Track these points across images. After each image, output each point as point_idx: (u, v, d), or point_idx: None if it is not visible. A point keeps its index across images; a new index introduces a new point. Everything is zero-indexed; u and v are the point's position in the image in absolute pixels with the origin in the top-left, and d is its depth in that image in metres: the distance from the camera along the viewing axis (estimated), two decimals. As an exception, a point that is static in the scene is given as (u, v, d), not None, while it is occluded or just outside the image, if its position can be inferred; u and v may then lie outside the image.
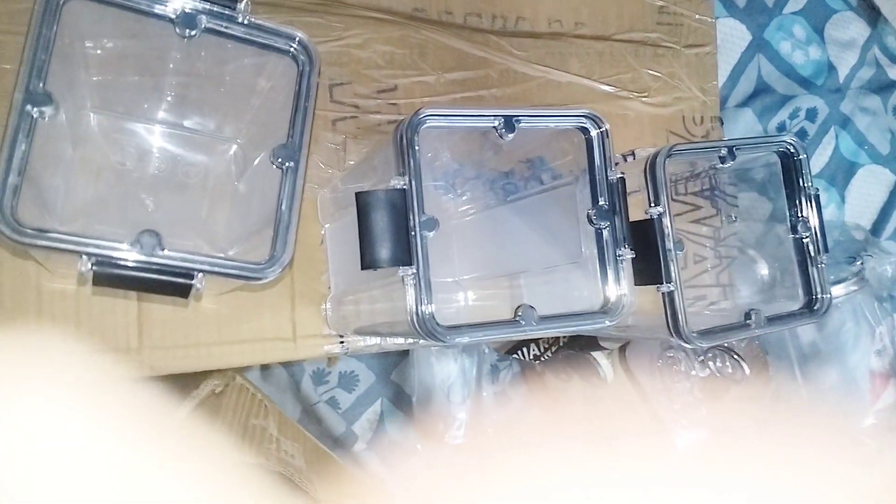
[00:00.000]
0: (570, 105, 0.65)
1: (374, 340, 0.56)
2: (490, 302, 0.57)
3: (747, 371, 0.76)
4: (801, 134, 0.99)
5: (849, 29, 1.02)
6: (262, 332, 0.54)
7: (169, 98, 0.50)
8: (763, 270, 0.72)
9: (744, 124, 0.94)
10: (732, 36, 0.93)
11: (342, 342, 0.56)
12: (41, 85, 0.33)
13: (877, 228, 1.05)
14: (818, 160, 0.98)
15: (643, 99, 0.67)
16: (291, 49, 0.39)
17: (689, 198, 0.67)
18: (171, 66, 0.45)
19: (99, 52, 0.44)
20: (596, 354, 0.70)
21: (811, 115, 0.99)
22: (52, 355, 0.22)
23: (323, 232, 0.56)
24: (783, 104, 0.97)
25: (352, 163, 0.57)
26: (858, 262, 0.95)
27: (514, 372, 0.84)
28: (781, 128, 0.96)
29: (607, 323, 0.42)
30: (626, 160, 0.66)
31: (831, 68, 1.00)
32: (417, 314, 0.39)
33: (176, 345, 0.51)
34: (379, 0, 0.60)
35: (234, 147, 0.52)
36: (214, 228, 0.52)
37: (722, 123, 0.73)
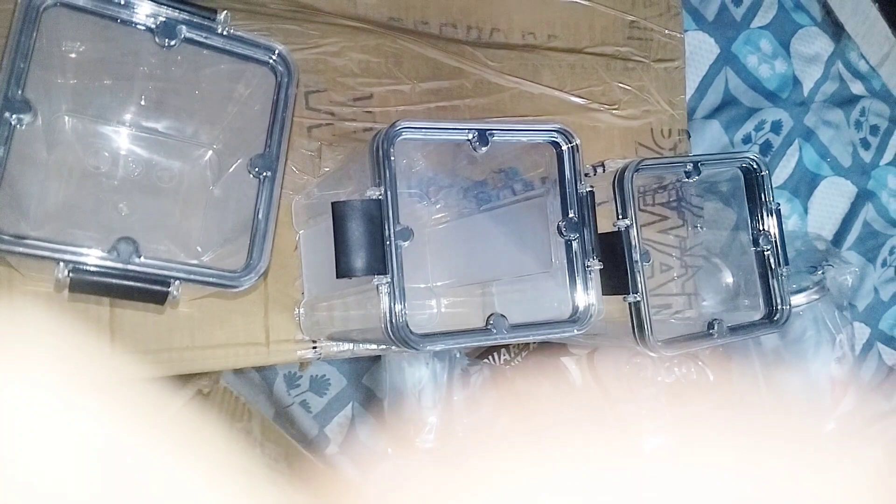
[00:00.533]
0: (543, 116, 0.66)
1: (346, 346, 0.57)
2: (462, 309, 0.58)
3: (711, 377, 0.78)
4: (766, 146, 1.01)
5: (814, 44, 1.05)
6: (236, 336, 0.54)
7: (144, 102, 0.50)
8: (727, 279, 0.74)
9: (710, 135, 0.96)
10: (701, 49, 0.95)
11: (315, 347, 0.57)
12: (20, 92, 0.34)
13: (838, 239, 1.08)
14: (782, 172, 1.01)
15: (613, 111, 0.69)
16: (270, 60, 0.40)
17: (657, 208, 0.69)
18: (148, 71, 0.45)
19: (75, 56, 0.44)
20: (565, 360, 0.72)
21: (776, 127, 1.02)
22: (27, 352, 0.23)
23: (297, 238, 0.56)
24: (749, 116, 0.99)
25: (327, 169, 0.58)
26: (819, 272, 0.98)
27: (485, 377, 0.85)
28: (747, 140, 0.99)
29: (576, 332, 0.43)
30: (595, 171, 0.67)
31: (796, 82, 1.03)
32: (391, 322, 0.40)
33: (148, 349, 0.51)
34: (355, 8, 0.60)
35: (210, 153, 0.52)
36: (188, 233, 0.52)
37: (689, 136, 0.75)
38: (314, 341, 0.57)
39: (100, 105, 0.50)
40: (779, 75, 1.02)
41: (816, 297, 0.94)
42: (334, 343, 0.56)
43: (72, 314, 0.50)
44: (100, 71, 0.46)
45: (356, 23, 0.60)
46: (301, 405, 0.82)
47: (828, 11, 1.06)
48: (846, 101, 1.07)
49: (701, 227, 0.72)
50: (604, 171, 0.68)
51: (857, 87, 1.09)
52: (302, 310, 0.56)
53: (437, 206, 0.61)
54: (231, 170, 0.49)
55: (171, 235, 0.52)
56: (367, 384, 0.85)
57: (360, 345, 0.56)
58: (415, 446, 0.85)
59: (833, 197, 1.09)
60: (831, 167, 1.07)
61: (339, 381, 0.84)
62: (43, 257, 0.33)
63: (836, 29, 1.06)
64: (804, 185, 1.04)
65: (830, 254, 1.04)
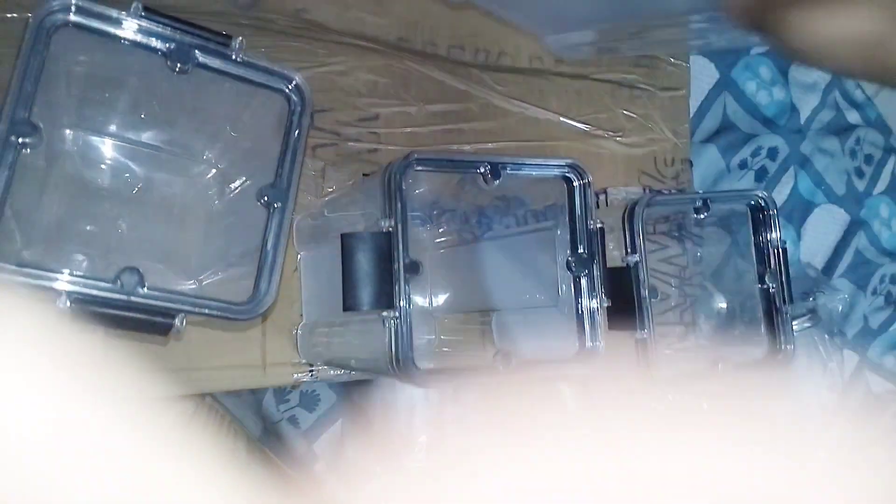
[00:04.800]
0: (547, 142, 0.66)
1: (343, 370, 0.56)
2: (461, 336, 0.58)
3: (705, 406, 0.78)
4: (762, 172, 1.02)
5: (812, 72, 1.05)
6: (232, 359, 0.53)
7: (149, 117, 0.49)
8: (721, 304, 0.74)
9: (708, 160, 0.96)
10: (701, 74, 0.95)
11: (311, 371, 0.56)
12: (26, 115, 0.33)
13: (829, 266, 1.08)
14: (777, 198, 1.01)
15: (617, 139, 0.68)
16: (286, 89, 0.39)
17: (658, 237, 0.69)
18: (155, 88, 0.45)
19: (81, 70, 0.43)
20: (561, 386, 0.71)
21: (772, 153, 1.02)
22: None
23: (298, 259, 0.56)
24: (746, 142, 0.99)
25: (330, 190, 0.57)
26: (811, 299, 0.98)
27: (477, 397, 0.84)
28: (744, 165, 0.99)
29: (582, 370, 0.42)
30: (598, 198, 0.67)
31: (793, 109, 1.03)
32: (397, 358, 0.39)
33: (142, 369, 0.50)
34: (364, 28, 0.60)
35: (214, 171, 0.51)
36: (188, 252, 0.51)
37: (692, 165, 0.75)
38: (311, 365, 0.56)
39: (102, 119, 0.49)
40: (777, 102, 1.02)
41: (809, 324, 0.95)
42: (331, 368, 0.55)
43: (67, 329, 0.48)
44: (105, 86, 0.45)
45: (365, 42, 0.59)
46: (289, 421, 0.81)
47: (827, 41, 1.06)
48: (842, 129, 1.08)
49: (700, 256, 0.72)
50: (606, 198, 0.68)
51: (852, 116, 1.09)
52: (300, 332, 0.55)
53: (441, 230, 0.60)
54: (236, 191, 0.48)
55: (170, 254, 0.51)
56: (357, 401, 0.84)
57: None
58: (404, 466, 0.84)
59: (826, 224, 1.09)
60: (825, 195, 1.08)
61: (329, 396, 0.83)
62: (44, 288, 0.32)
63: (834, 58, 1.07)
64: (798, 211, 1.04)
65: (820, 281, 1.05)
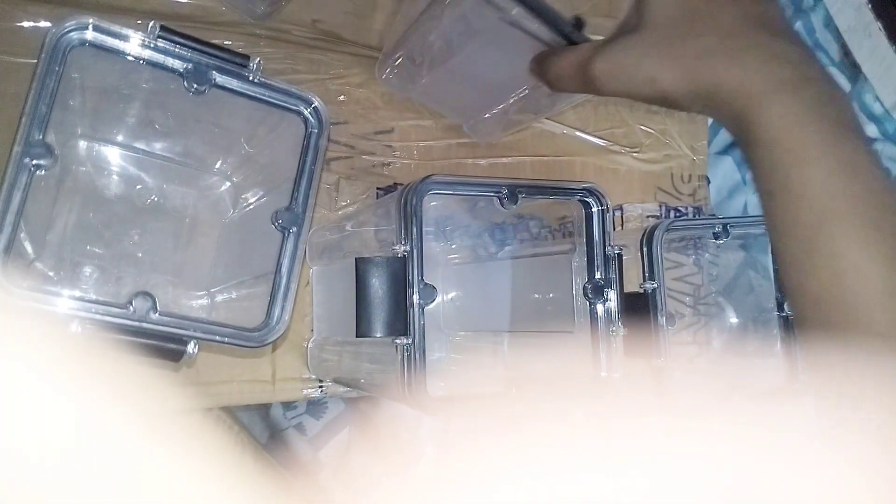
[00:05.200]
0: (563, 156, 0.65)
1: (353, 388, 0.56)
2: (474, 356, 0.57)
3: (717, 428, 0.78)
4: (778, 185, 1.00)
5: (830, 85, 1.04)
6: (241, 373, 0.53)
7: (163, 130, 0.48)
8: (732, 318, 0.73)
9: (723, 172, 0.95)
10: (718, 86, 0.94)
11: (321, 387, 0.56)
12: (40, 137, 0.32)
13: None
14: (793, 212, 1.00)
15: (634, 154, 0.68)
16: (303, 112, 0.38)
17: (672, 255, 0.68)
18: (171, 104, 0.44)
19: (96, 86, 0.42)
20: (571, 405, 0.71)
21: (789, 167, 1.01)
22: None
23: (310, 273, 0.55)
24: (762, 154, 0.98)
25: (344, 203, 0.57)
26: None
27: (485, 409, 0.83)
28: (759, 178, 0.98)
29: (597, 401, 0.42)
30: (614, 214, 0.66)
31: (811, 123, 1.02)
32: (410, 385, 0.39)
33: (152, 384, 0.50)
34: (381, 40, 0.59)
35: (228, 184, 0.51)
36: (201, 265, 0.51)
37: (709, 182, 0.74)
38: (321, 380, 0.55)
39: (116, 130, 0.48)
40: (794, 115, 1.01)
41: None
42: (340, 384, 0.55)
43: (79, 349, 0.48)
44: (119, 100, 0.44)
45: (380, 54, 0.58)
46: (296, 428, 0.81)
47: (846, 52, 1.05)
48: (860, 143, 1.06)
49: (715, 274, 0.71)
50: (622, 214, 0.67)
51: (870, 130, 1.08)
52: (310, 346, 0.55)
53: (454, 246, 0.60)
54: (251, 205, 0.47)
55: (182, 266, 0.50)
56: (365, 410, 0.83)
57: (368, 388, 0.55)
58: (410, 476, 0.83)
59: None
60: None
61: (336, 404, 0.82)
62: (56, 313, 0.31)
63: (853, 70, 1.06)
64: (813, 226, 1.03)
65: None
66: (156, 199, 0.51)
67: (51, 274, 0.47)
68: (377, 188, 0.58)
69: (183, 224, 0.51)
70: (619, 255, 0.44)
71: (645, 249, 0.46)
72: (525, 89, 0.50)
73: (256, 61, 0.37)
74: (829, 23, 1.03)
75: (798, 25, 1.00)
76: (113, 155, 0.50)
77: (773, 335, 0.59)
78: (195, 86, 0.36)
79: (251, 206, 0.48)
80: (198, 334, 0.34)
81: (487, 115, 0.57)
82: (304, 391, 0.55)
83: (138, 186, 0.51)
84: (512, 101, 0.52)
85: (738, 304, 0.72)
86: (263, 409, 0.80)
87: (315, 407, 0.83)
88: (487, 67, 0.49)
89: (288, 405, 0.81)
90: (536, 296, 0.50)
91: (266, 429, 0.80)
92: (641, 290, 0.47)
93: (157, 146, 0.50)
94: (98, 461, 0.22)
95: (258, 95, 0.38)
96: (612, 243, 0.44)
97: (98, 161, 0.49)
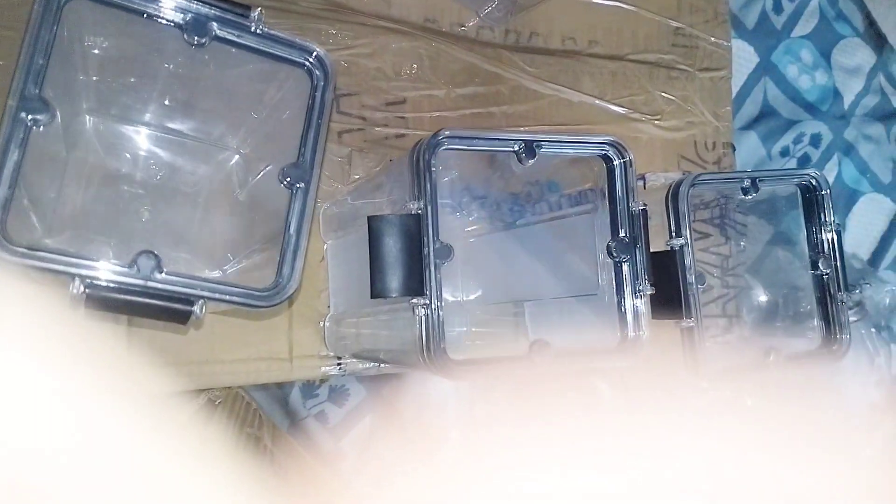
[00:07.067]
0: (582, 125, 0.63)
1: (372, 363, 0.54)
2: (494, 329, 0.55)
3: (749, 402, 0.75)
4: (805, 159, 0.98)
5: (855, 55, 1.01)
6: (258, 351, 0.51)
7: (169, 102, 0.47)
8: (761, 297, 0.70)
9: (748, 147, 0.92)
10: (740, 58, 0.91)
11: (339, 364, 0.54)
12: (37, 91, 0.31)
13: (876, 257, 1.04)
14: (821, 187, 0.98)
15: (655, 122, 0.65)
16: (307, 62, 0.37)
17: (699, 225, 0.66)
18: (174, 69, 0.43)
19: (98, 51, 0.41)
20: (598, 382, 0.69)
21: (815, 140, 0.98)
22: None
23: (325, 248, 0.54)
24: (788, 129, 0.96)
25: (357, 176, 0.55)
26: (857, 291, 0.94)
27: (509, 391, 0.81)
28: (785, 152, 0.95)
29: (625, 363, 0.40)
30: (636, 182, 0.64)
31: (836, 94, 0.99)
32: (428, 348, 0.37)
33: (166, 363, 0.49)
34: (390, 9, 0.57)
35: (237, 157, 0.50)
36: (212, 241, 0.49)
37: (734, 150, 0.71)
38: (339, 358, 0.54)
39: (123, 104, 0.47)
40: (819, 87, 0.98)
41: (856, 318, 0.91)
42: (360, 361, 0.53)
43: (86, 323, 0.47)
44: (124, 68, 0.43)
45: (391, 24, 0.57)
46: (317, 417, 0.80)
47: (871, 22, 1.02)
48: (887, 115, 1.03)
49: (743, 246, 0.69)
50: (644, 184, 0.65)
51: (899, 101, 1.05)
52: (327, 323, 0.53)
53: (471, 218, 0.58)
54: (259, 176, 0.46)
55: (193, 242, 0.49)
56: (387, 396, 0.82)
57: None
58: (435, 463, 0.82)
59: (872, 214, 1.05)
60: (870, 183, 1.04)
61: (358, 391, 0.81)
62: (56, 271, 0.30)
63: (878, 40, 1.03)
64: (842, 201, 1.00)
65: (867, 273, 1.01)
66: (166, 174, 0.50)
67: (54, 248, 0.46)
68: (390, 160, 0.56)
69: (194, 199, 0.50)
70: (644, 211, 0.42)
71: (671, 205, 0.44)
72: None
73: (258, 11, 0.35)
74: (853, -9, 1.01)
75: (820, -3, 0.98)
76: (122, 131, 0.49)
77: (807, 306, 0.57)
78: (196, 38, 0.34)
79: (261, 177, 0.47)
80: (205, 293, 0.32)
81: None
82: (323, 369, 0.53)
83: (149, 162, 0.50)
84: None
85: (769, 282, 0.69)
86: (283, 397, 0.79)
87: (337, 394, 0.82)
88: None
89: (308, 392, 0.79)
90: (558, 260, 0.48)
91: (286, 416, 0.78)
92: (668, 249, 0.45)
93: (166, 121, 0.49)
94: (96, 452, 0.21)
95: (260, 47, 0.36)
96: (636, 199, 0.42)
97: (107, 137, 0.49)
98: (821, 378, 0.91)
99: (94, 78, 0.44)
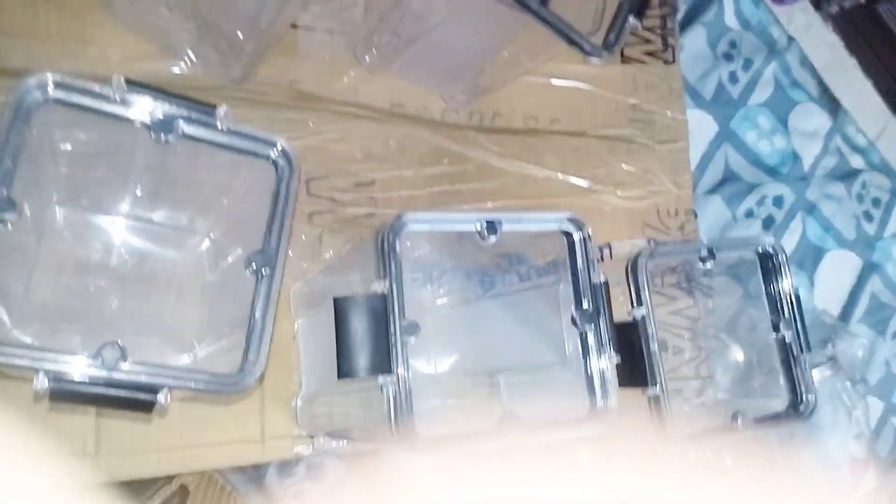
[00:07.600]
0: (547, 199, 0.65)
1: (347, 441, 0.54)
2: (469, 400, 0.55)
3: (728, 462, 0.75)
4: (769, 220, 1.00)
5: (812, 120, 1.05)
6: (229, 434, 0.51)
7: (139, 192, 0.48)
8: (738, 356, 0.71)
9: (713, 211, 0.95)
10: (700, 126, 0.95)
11: (313, 443, 0.54)
12: (5, 192, 0.32)
13: (846, 312, 1.06)
14: (786, 245, 1.00)
15: (618, 193, 0.68)
16: (271, 155, 0.38)
17: (667, 289, 0.67)
18: (143, 162, 0.44)
19: (69, 146, 0.43)
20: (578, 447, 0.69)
21: (778, 202, 1.01)
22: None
23: (295, 327, 0.54)
24: (750, 191, 0.99)
25: (328, 256, 0.56)
26: (830, 347, 0.96)
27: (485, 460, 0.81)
28: (750, 214, 0.98)
29: (594, 431, 0.40)
30: (602, 253, 0.66)
31: (796, 157, 1.03)
32: (398, 425, 0.37)
33: (135, 450, 0.48)
34: (357, 96, 0.60)
35: (206, 241, 0.51)
36: (182, 327, 0.50)
37: (696, 216, 0.74)
38: (311, 436, 0.54)
39: (92, 195, 0.48)
40: (778, 151, 1.02)
41: (830, 372, 0.92)
42: (334, 439, 0.53)
43: (55, 414, 0.47)
44: (93, 161, 0.44)
45: (358, 110, 0.59)
46: (294, 497, 0.78)
47: (824, 88, 1.06)
48: (847, 174, 1.07)
49: (712, 307, 0.70)
50: (610, 252, 0.67)
51: (856, 161, 1.09)
52: (300, 402, 0.53)
53: (441, 291, 0.59)
54: (229, 260, 0.47)
55: (163, 328, 0.49)
56: (366, 472, 0.81)
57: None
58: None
59: (839, 270, 1.07)
60: (835, 240, 1.06)
61: (336, 467, 0.80)
62: (20, 366, 0.31)
63: (832, 104, 1.07)
64: (809, 258, 1.02)
65: (838, 328, 1.02)
66: (136, 262, 0.51)
67: (29, 342, 0.46)
68: (360, 239, 0.57)
69: (164, 286, 0.51)
70: (606, 283, 0.44)
71: (631, 277, 0.46)
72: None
73: (223, 109, 0.37)
74: (805, 61, 1.05)
75: (773, 66, 1.02)
76: (91, 220, 0.50)
77: (775, 366, 0.58)
78: (163, 136, 0.36)
79: (230, 262, 0.48)
80: (169, 381, 0.33)
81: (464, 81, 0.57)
82: (296, 449, 0.53)
83: (118, 251, 0.51)
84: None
85: (742, 341, 0.70)
86: (258, 478, 0.77)
87: (314, 471, 0.80)
88: (462, 35, 0.50)
89: (285, 472, 0.78)
90: (527, 331, 0.49)
91: (263, 497, 0.77)
92: (631, 320, 0.46)
93: (136, 209, 0.50)
94: None
95: (227, 143, 0.38)
96: (596, 271, 0.43)
97: (77, 227, 0.49)
98: (800, 434, 0.91)
99: (64, 171, 0.45)
